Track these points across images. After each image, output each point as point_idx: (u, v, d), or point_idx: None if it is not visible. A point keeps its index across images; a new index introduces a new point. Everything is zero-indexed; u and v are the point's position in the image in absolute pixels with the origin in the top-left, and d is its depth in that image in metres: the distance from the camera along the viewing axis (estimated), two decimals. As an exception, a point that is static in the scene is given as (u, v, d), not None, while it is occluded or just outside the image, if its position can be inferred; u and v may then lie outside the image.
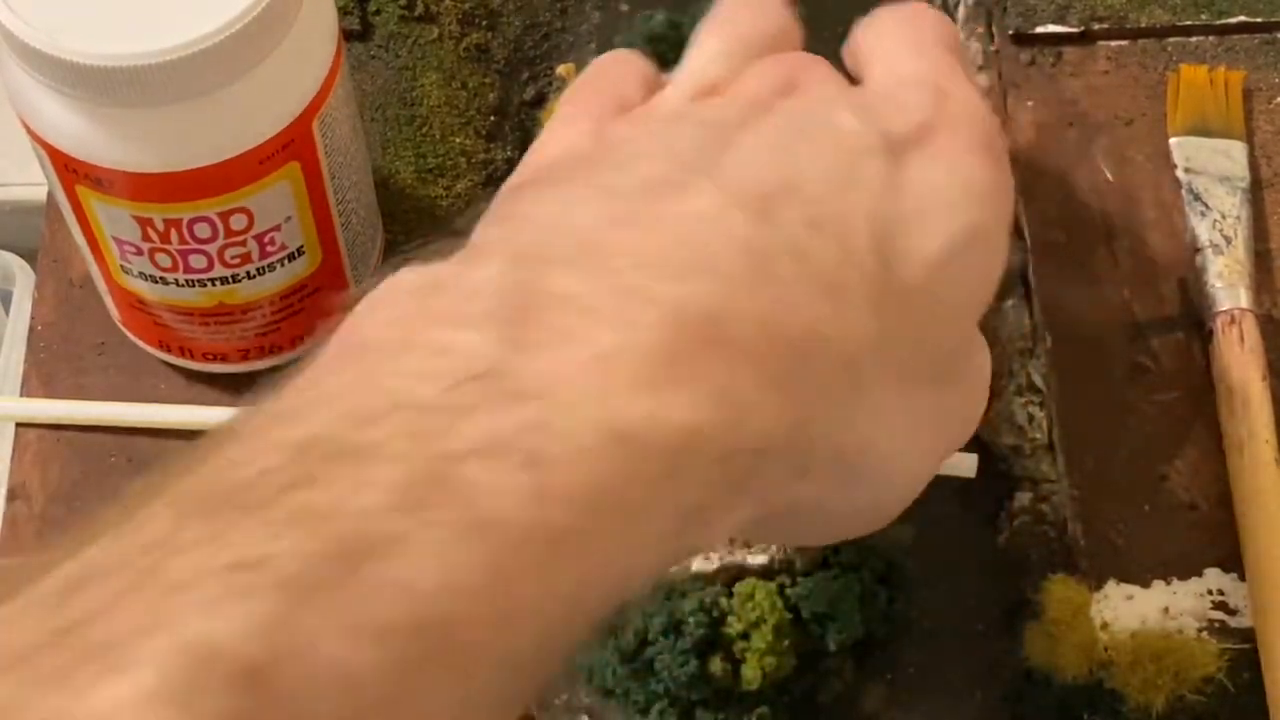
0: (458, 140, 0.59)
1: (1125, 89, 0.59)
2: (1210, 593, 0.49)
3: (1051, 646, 0.48)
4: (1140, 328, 0.54)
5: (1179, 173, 0.56)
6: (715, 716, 0.49)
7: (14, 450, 0.53)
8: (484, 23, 0.63)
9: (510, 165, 0.61)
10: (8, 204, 0.63)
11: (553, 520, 0.29)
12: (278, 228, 0.48)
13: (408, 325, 0.32)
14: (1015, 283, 0.57)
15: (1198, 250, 0.54)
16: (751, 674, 0.48)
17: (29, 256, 0.59)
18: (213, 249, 0.47)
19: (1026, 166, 0.57)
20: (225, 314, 0.50)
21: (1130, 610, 0.49)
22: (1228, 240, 0.54)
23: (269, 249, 0.48)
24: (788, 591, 0.49)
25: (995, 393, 0.55)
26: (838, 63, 0.41)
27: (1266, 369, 0.51)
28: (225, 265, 0.48)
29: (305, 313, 0.51)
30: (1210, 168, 0.56)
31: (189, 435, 0.52)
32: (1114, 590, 0.49)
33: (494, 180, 0.60)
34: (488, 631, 0.28)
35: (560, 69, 0.64)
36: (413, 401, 0.29)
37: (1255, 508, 0.48)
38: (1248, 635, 0.48)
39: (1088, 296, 0.55)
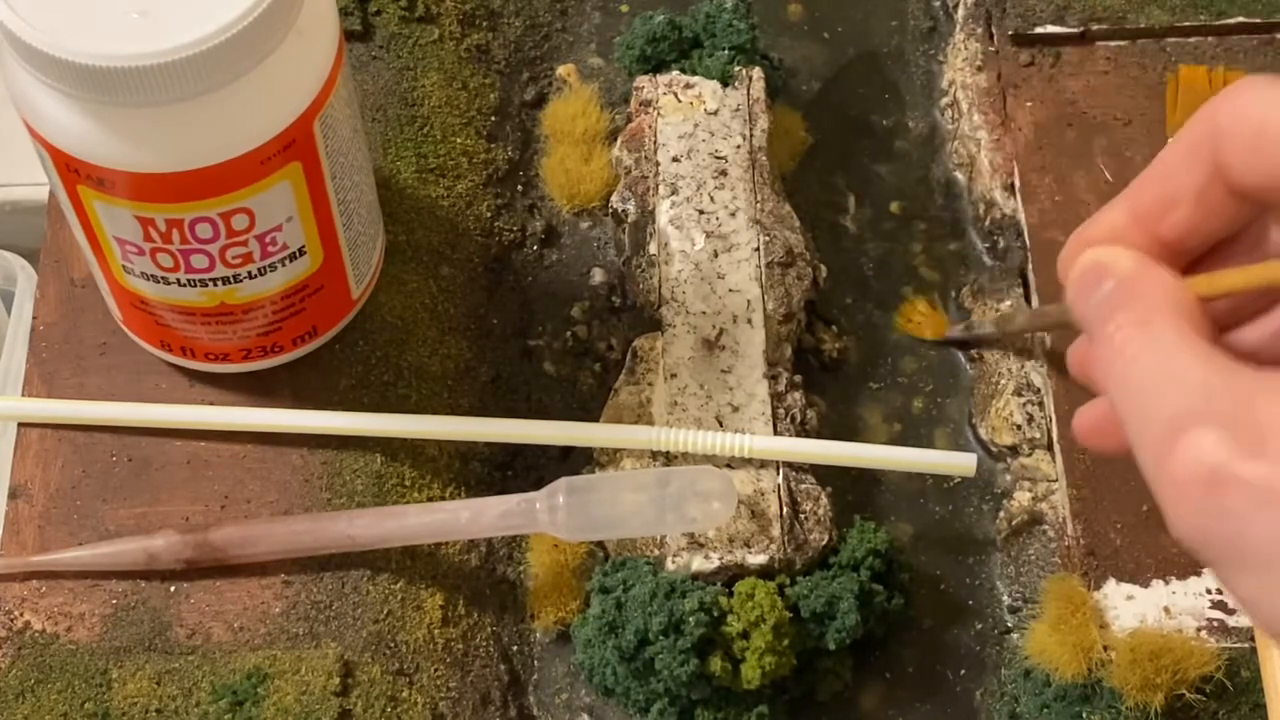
0: (459, 140, 0.59)
1: (1124, 89, 0.59)
2: (1209, 592, 0.49)
3: (1051, 646, 0.48)
4: (1140, 328, 0.54)
5: (1178, 173, 0.56)
6: (715, 715, 0.49)
7: (16, 449, 0.53)
8: (484, 23, 0.63)
9: (511, 165, 0.61)
10: (9, 204, 0.63)
11: None
12: (279, 228, 0.48)
13: None
14: (1015, 283, 0.57)
15: (1197, 250, 0.54)
16: (751, 673, 0.48)
17: (31, 256, 0.59)
18: (214, 249, 0.47)
19: (1026, 166, 0.58)
20: (227, 314, 0.50)
21: (1130, 610, 0.49)
22: (1227, 240, 0.54)
23: (270, 249, 0.48)
24: (788, 591, 0.49)
25: (995, 393, 0.55)
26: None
27: (1265, 369, 0.51)
28: (227, 265, 0.48)
29: (307, 312, 0.52)
30: (1209, 168, 0.56)
31: (190, 435, 0.53)
32: (1114, 590, 0.49)
33: (494, 180, 0.60)
34: None
35: (560, 69, 0.64)
36: None
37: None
38: (1247, 635, 0.48)
39: (1087, 296, 0.55)
